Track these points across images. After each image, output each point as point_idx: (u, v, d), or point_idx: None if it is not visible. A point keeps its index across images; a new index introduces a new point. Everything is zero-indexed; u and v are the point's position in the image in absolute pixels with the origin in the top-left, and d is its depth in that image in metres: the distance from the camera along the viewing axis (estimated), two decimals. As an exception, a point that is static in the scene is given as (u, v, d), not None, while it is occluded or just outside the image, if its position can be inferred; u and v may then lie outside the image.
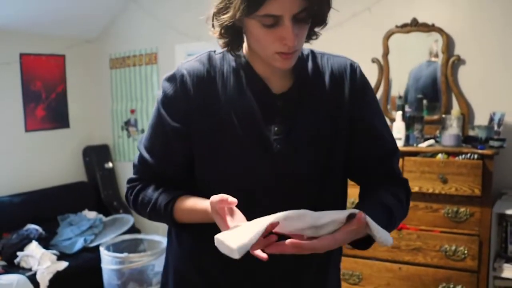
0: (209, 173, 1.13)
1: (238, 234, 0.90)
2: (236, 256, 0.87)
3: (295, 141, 1.11)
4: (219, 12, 1.03)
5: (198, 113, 1.12)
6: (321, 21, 1.07)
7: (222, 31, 1.06)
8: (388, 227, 1.06)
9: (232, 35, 1.08)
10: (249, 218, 0.96)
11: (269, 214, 0.94)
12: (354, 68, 1.18)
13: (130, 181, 1.23)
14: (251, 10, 0.96)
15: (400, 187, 1.19)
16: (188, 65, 1.15)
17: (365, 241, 1.02)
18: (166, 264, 1.31)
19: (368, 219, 0.94)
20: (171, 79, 1.15)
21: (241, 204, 0.98)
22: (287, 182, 1.11)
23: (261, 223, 0.91)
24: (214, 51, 1.18)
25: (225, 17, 1.01)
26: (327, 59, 1.19)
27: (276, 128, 1.10)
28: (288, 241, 0.89)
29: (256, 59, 1.12)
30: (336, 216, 0.94)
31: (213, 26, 1.08)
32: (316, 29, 1.10)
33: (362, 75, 1.19)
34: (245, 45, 1.13)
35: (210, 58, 1.16)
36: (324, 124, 1.13)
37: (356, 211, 0.94)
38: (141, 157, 1.19)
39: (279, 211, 0.93)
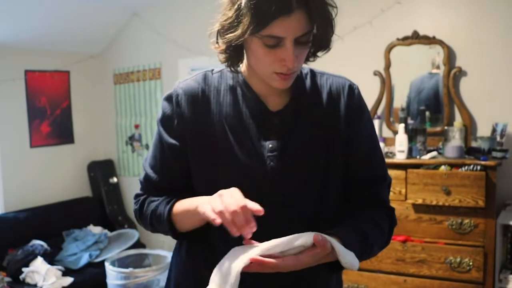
0: (206, 190, 1.13)
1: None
2: None
3: (289, 158, 1.11)
4: (225, 30, 1.04)
5: (193, 131, 1.14)
6: (325, 45, 1.08)
7: (227, 48, 1.07)
8: (362, 253, 1.06)
9: (234, 51, 1.09)
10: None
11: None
12: (352, 89, 1.18)
13: (136, 196, 1.26)
14: (256, 29, 0.98)
15: (384, 216, 1.17)
16: (183, 85, 1.18)
17: (338, 264, 1.00)
18: (169, 278, 1.32)
19: (335, 243, 0.95)
20: (168, 98, 1.18)
21: None
22: (284, 198, 1.11)
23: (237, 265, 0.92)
24: (212, 71, 1.20)
25: (233, 35, 1.01)
26: (326, 78, 1.19)
27: (270, 146, 1.11)
28: (251, 259, 0.92)
29: (253, 76, 1.14)
30: (305, 239, 0.94)
31: (217, 42, 1.09)
32: (319, 54, 1.11)
33: (360, 96, 1.19)
34: (244, 62, 1.15)
35: (205, 78, 1.18)
36: (319, 142, 1.13)
37: (319, 234, 0.95)
38: (145, 174, 1.23)
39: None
